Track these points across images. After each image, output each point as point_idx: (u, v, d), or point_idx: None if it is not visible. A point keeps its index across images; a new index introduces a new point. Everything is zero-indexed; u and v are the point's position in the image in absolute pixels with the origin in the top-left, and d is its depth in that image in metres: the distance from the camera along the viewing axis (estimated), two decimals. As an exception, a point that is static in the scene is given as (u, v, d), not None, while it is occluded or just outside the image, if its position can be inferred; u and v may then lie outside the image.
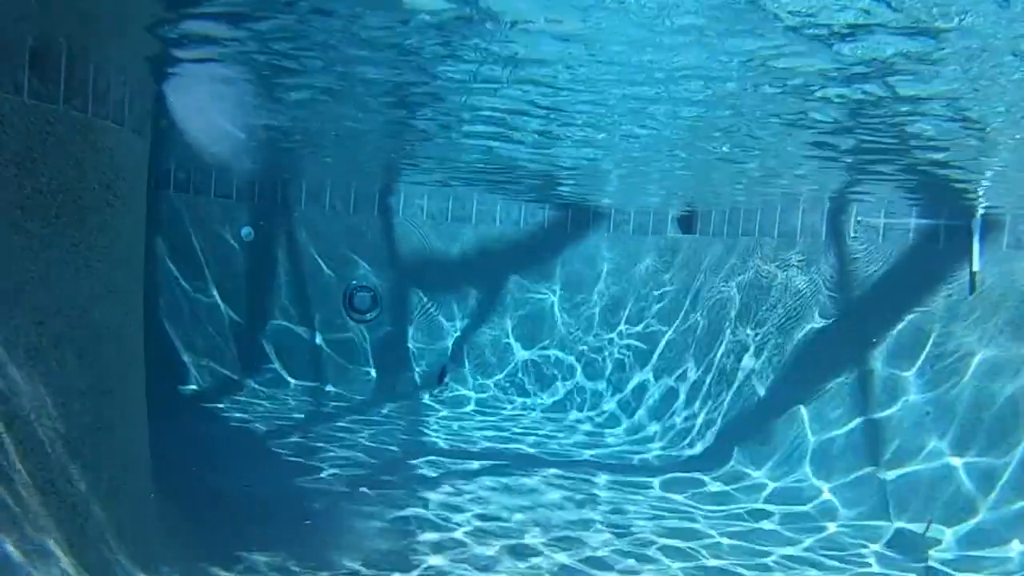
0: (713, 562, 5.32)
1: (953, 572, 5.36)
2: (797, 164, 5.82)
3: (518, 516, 5.88)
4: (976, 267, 6.34)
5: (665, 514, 6.25)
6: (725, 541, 5.73)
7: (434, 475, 6.76)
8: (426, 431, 8.38)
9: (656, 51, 3.37)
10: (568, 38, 3.29)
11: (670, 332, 9.25)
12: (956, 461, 6.05)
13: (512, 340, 10.17)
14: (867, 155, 5.15)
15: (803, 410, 7.12)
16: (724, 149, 5.53)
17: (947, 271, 6.55)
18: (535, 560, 5.08)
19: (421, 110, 5.16)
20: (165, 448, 5.06)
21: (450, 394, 9.90)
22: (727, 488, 6.97)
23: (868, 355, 6.82)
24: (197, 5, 3.34)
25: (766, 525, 6.16)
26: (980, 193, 5.92)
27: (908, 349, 6.61)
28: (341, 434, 7.85)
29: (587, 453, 8.06)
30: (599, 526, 5.83)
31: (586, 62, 3.64)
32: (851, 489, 6.49)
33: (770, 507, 6.54)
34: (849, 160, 5.42)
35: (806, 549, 5.71)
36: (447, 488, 6.40)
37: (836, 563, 5.48)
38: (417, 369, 10.09)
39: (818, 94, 3.78)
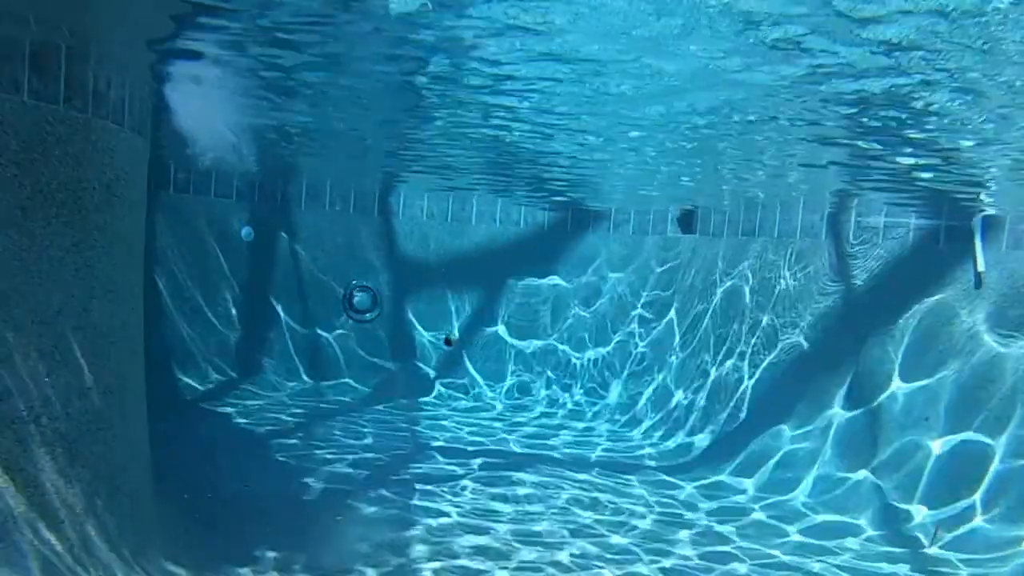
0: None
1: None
2: (799, 165, 5.83)
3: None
4: (981, 267, 6.27)
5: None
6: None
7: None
8: (433, 427, 8.39)
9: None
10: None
11: (668, 330, 9.26)
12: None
13: (508, 338, 10.21)
14: (870, 155, 5.16)
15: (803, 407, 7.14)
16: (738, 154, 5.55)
17: (948, 271, 6.54)
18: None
19: (426, 111, 5.16)
20: (164, 448, 5.07)
21: (451, 392, 9.94)
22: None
23: (868, 355, 6.83)
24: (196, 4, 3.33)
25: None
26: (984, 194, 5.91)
27: (909, 347, 6.62)
28: (340, 432, 7.88)
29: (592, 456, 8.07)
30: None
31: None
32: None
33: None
34: (852, 161, 5.42)
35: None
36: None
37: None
38: (418, 367, 10.12)
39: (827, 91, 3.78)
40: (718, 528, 6.01)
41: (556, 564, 5.04)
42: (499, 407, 9.75)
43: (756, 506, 6.59)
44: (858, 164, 5.42)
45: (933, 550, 5.67)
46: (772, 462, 7.11)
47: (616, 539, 5.60)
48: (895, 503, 6.20)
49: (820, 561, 5.48)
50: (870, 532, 6.05)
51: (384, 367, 10.03)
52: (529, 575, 4.85)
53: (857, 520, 6.22)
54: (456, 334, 9.99)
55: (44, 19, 3.36)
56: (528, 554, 5.16)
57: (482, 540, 5.34)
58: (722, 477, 7.24)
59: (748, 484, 7.03)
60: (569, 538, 5.54)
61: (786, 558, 5.50)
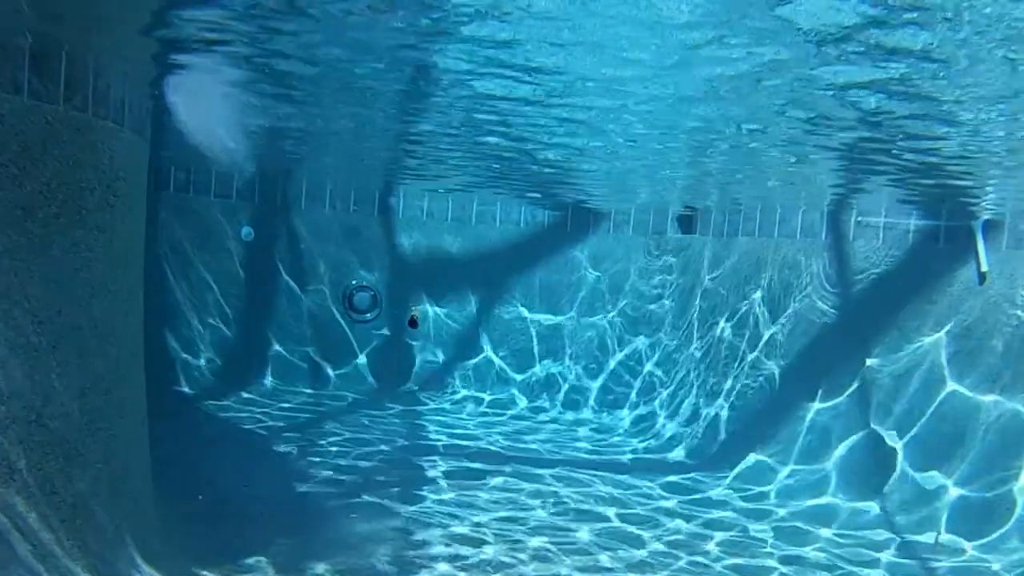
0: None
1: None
2: (799, 165, 5.82)
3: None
4: (984, 267, 6.26)
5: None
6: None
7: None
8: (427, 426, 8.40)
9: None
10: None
11: (669, 330, 9.26)
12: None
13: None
14: (872, 155, 5.15)
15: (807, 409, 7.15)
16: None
17: (949, 271, 6.53)
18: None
19: (428, 112, 5.15)
20: (163, 448, 5.07)
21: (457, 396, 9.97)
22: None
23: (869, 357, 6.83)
24: (196, 5, 3.33)
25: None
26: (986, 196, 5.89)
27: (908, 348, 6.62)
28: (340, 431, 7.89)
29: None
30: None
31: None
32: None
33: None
34: (853, 160, 5.42)
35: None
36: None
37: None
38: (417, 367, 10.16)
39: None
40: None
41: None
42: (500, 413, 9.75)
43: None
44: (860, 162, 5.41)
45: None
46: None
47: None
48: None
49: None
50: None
51: (384, 367, 10.04)
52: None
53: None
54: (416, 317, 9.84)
55: (44, 19, 3.35)
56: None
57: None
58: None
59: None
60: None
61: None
